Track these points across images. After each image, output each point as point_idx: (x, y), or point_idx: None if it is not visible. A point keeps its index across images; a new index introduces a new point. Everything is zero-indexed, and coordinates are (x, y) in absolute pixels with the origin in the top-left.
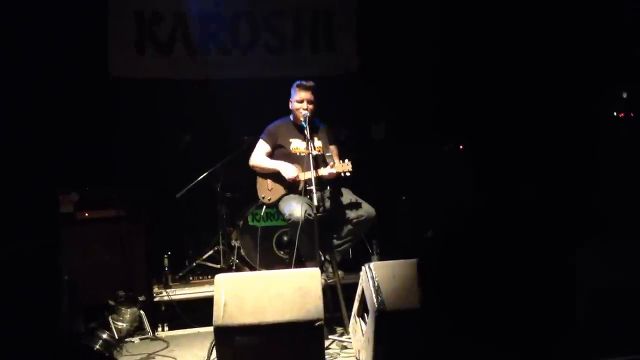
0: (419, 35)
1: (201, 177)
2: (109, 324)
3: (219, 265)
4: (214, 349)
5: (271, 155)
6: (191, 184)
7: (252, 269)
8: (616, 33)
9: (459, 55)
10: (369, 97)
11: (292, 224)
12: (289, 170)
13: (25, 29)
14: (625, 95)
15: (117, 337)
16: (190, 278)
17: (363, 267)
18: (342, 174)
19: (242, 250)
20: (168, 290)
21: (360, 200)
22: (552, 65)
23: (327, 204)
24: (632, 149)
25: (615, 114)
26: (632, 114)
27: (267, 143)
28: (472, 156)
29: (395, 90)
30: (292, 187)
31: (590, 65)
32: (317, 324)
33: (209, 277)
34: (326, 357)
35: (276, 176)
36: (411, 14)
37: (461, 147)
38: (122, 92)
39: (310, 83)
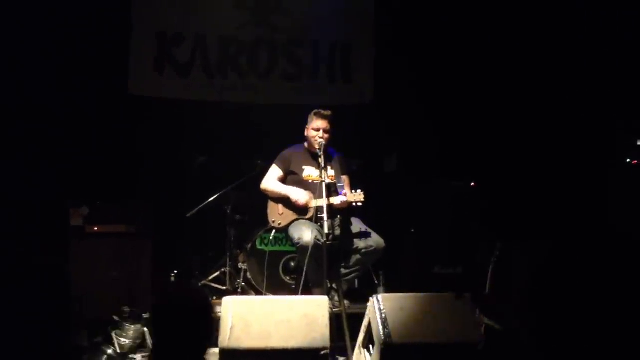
0: (434, 71)
1: (212, 198)
2: (112, 339)
3: (224, 287)
4: None
5: (283, 181)
6: (202, 205)
7: (258, 292)
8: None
9: (475, 94)
10: (382, 129)
11: (301, 248)
12: (299, 196)
13: (46, 42)
14: (639, 143)
15: (119, 353)
16: None
17: (371, 298)
18: (354, 204)
19: (248, 274)
20: None
21: (369, 230)
22: (569, 107)
23: (337, 232)
24: None
25: (628, 160)
26: None
27: (280, 168)
28: (483, 193)
29: (408, 123)
30: (303, 212)
31: (607, 110)
32: (322, 353)
33: (214, 298)
34: None
35: (287, 201)
36: (428, 49)
37: (473, 184)
38: (139, 109)
39: (328, 112)
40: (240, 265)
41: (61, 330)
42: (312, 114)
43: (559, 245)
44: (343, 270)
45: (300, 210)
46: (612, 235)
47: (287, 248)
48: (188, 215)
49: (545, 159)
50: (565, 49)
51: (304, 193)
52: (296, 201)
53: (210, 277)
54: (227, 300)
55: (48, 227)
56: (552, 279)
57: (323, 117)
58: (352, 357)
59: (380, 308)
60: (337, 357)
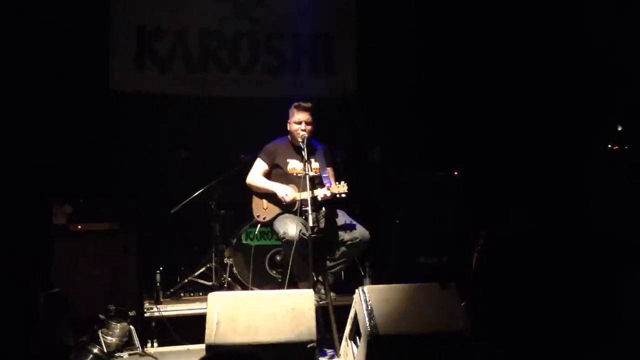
0: (417, 61)
1: (197, 193)
2: (99, 338)
3: (210, 283)
4: None
5: (268, 175)
6: (186, 200)
7: (244, 287)
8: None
9: (457, 82)
10: (366, 120)
11: (287, 242)
12: (285, 193)
13: (26, 38)
14: (620, 128)
15: (106, 352)
16: (182, 294)
17: (357, 290)
18: (338, 196)
19: (234, 268)
20: (159, 305)
21: (354, 222)
22: (549, 94)
23: (322, 224)
24: (625, 181)
25: (609, 146)
26: (626, 147)
27: (265, 162)
28: (466, 182)
29: (392, 114)
30: (287, 206)
31: (586, 95)
32: (309, 346)
33: (201, 294)
34: None
35: (272, 195)
36: (410, 40)
37: (455, 172)
38: (121, 105)
39: (309, 104)
40: (225, 260)
41: (27, 334)
42: (293, 107)
43: (524, 232)
44: (329, 263)
45: (285, 205)
46: (587, 227)
47: (273, 242)
48: (172, 211)
49: (529, 147)
50: (547, 35)
51: (290, 190)
52: (282, 197)
53: (196, 273)
54: (212, 296)
55: (29, 225)
56: (503, 267)
57: (304, 109)
58: (339, 350)
59: (366, 299)
60: (325, 349)
